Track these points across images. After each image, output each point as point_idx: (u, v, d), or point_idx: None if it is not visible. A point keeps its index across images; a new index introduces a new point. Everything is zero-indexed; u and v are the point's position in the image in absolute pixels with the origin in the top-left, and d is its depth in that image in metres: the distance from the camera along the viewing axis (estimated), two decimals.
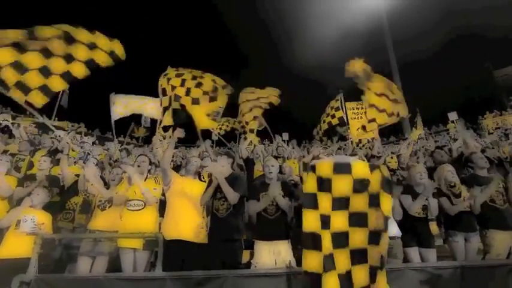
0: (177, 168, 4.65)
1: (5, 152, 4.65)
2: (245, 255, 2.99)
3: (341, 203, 1.73)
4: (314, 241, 1.63)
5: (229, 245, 2.70)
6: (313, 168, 1.73)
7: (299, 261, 2.46)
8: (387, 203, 1.72)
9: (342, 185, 1.71)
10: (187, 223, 2.73)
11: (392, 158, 5.01)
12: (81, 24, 2.93)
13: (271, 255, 2.63)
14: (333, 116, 7.17)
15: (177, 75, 4.05)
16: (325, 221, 1.68)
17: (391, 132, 17.99)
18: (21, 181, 3.62)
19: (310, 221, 1.65)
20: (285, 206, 2.77)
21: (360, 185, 1.73)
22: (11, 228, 2.81)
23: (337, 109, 7.22)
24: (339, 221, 1.72)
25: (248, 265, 2.78)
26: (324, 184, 1.71)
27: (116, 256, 2.92)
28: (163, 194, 3.07)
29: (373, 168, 1.78)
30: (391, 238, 2.78)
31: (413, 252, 2.91)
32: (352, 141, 6.71)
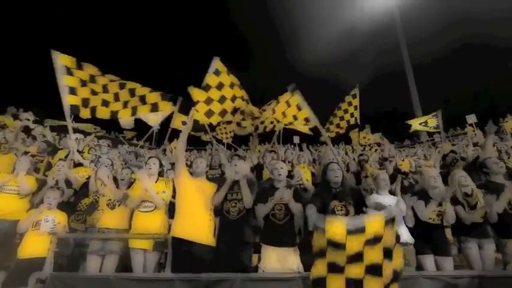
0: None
1: (25, 153, 4.88)
2: (253, 259, 2.97)
3: (356, 257, 1.83)
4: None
5: (239, 248, 2.70)
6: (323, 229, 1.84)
7: (306, 267, 2.43)
8: (400, 257, 1.86)
9: (355, 245, 1.82)
10: (197, 224, 2.72)
11: (403, 160, 4.89)
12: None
13: (279, 260, 2.60)
14: (352, 115, 6.16)
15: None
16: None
17: (406, 136, 17.42)
18: (40, 182, 3.77)
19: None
20: (297, 212, 2.73)
21: (374, 240, 1.83)
22: (30, 229, 2.94)
23: (355, 108, 6.18)
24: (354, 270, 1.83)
25: (256, 269, 2.77)
26: (338, 245, 1.81)
27: (125, 255, 2.99)
28: (173, 197, 3.12)
29: (387, 223, 1.87)
30: (402, 245, 2.70)
31: (428, 260, 2.80)
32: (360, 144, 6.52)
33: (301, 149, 7.19)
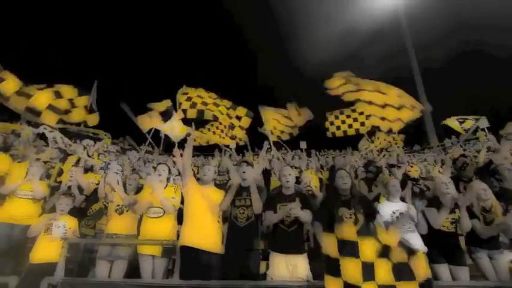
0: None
1: (37, 160, 4.99)
2: (261, 267, 2.94)
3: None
4: None
5: (248, 255, 2.67)
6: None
7: (316, 275, 2.38)
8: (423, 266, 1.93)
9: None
10: (205, 232, 2.72)
11: (412, 166, 4.79)
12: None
13: (287, 268, 2.55)
14: (362, 124, 6.00)
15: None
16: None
17: (416, 141, 17.05)
18: (52, 187, 3.85)
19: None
20: (306, 219, 2.69)
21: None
22: (41, 234, 2.99)
23: (368, 116, 5.78)
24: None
25: (264, 276, 2.73)
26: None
27: (133, 261, 3.00)
28: (182, 203, 3.13)
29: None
30: (414, 253, 2.63)
31: (443, 269, 2.71)
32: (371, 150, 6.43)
33: (309, 155, 7.13)
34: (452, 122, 7.28)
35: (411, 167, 4.81)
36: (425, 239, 2.77)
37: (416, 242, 2.69)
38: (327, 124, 6.21)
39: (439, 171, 4.95)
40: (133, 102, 6.37)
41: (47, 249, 2.87)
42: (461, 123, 7.28)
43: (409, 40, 19.42)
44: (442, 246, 2.77)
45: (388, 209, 2.87)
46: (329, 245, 1.91)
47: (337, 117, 6.22)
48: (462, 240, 2.97)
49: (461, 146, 11.44)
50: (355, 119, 6.14)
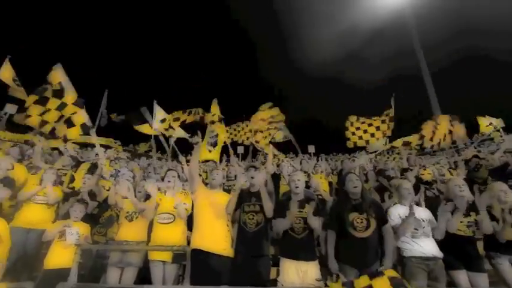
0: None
1: (50, 168, 5.14)
2: (271, 272, 2.91)
3: None
4: None
5: (258, 261, 2.65)
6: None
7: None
8: None
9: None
10: (215, 236, 2.72)
11: (425, 169, 4.66)
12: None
13: (298, 274, 2.52)
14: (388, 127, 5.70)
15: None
16: None
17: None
18: (64, 193, 3.94)
19: None
20: (317, 227, 2.66)
21: None
22: (55, 240, 3.06)
23: (390, 119, 5.71)
24: None
25: (274, 282, 2.70)
26: None
27: (143, 267, 3.02)
28: (192, 208, 3.15)
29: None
30: (430, 259, 2.55)
31: (461, 275, 2.62)
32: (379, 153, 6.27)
33: (317, 159, 7.05)
34: (484, 121, 7.04)
35: (424, 170, 4.68)
36: (442, 244, 2.69)
37: (431, 247, 2.62)
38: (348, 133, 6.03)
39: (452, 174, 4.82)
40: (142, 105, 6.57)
41: (61, 255, 2.93)
42: (490, 123, 7.09)
43: (416, 40, 19.11)
44: (459, 251, 2.68)
45: (396, 212, 2.81)
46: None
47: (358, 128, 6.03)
48: (480, 245, 2.87)
49: (475, 148, 11.11)
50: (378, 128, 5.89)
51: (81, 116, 3.81)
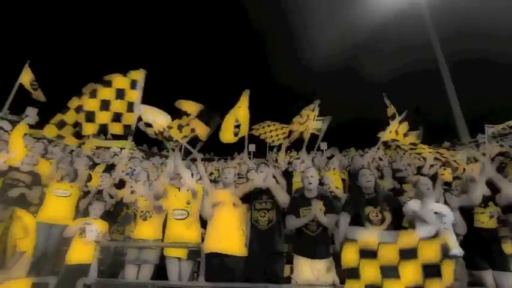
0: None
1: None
2: (285, 270, 2.91)
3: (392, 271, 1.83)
4: None
5: (271, 258, 2.65)
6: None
7: (342, 279, 2.31)
8: (449, 271, 1.80)
9: (388, 253, 1.87)
10: (228, 237, 2.73)
11: (445, 169, 4.44)
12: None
13: (312, 272, 2.49)
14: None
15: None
16: None
17: (445, 137, 15.65)
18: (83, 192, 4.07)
19: None
20: (327, 223, 2.63)
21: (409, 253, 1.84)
22: (76, 237, 3.18)
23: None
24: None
25: (288, 280, 2.69)
26: (370, 253, 1.88)
27: (160, 264, 3.08)
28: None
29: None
30: (450, 257, 2.46)
31: (487, 275, 2.52)
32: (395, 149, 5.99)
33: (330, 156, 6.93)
34: None
35: (444, 169, 4.46)
36: (465, 242, 2.58)
37: (453, 245, 2.52)
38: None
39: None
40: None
41: (82, 251, 3.04)
42: None
43: (433, 33, 18.40)
44: (483, 248, 2.56)
45: (413, 206, 2.72)
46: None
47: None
48: (505, 244, 2.73)
49: (497, 142, 10.59)
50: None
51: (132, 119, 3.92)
